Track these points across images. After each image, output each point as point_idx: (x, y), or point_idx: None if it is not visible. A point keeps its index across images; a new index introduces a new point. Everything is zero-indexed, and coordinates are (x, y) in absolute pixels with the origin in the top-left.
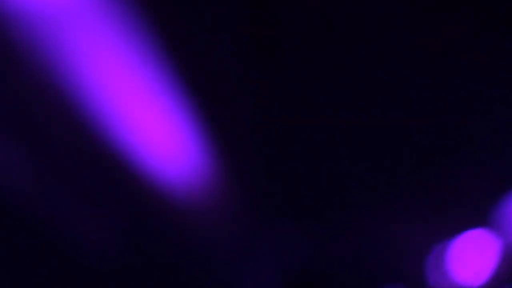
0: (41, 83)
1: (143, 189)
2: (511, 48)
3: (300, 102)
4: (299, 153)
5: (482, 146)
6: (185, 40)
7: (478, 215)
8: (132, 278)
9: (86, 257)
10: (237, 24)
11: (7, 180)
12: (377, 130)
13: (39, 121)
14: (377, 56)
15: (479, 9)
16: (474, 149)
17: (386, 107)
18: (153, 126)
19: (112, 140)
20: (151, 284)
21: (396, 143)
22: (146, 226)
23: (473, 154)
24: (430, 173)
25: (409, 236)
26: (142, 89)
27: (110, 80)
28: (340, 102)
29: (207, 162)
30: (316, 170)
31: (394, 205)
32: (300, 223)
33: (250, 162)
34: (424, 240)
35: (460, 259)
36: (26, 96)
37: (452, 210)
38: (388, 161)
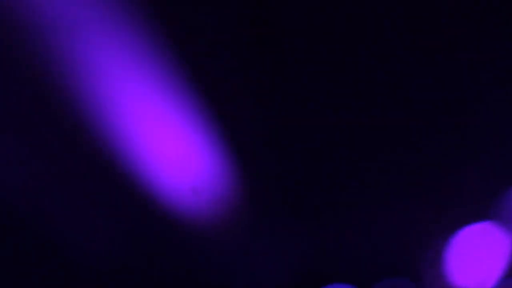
0: (43, 83)
1: (143, 190)
2: (511, 48)
3: (300, 102)
4: (299, 153)
5: (482, 145)
6: (186, 40)
7: (479, 214)
8: (132, 278)
9: (86, 257)
10: (237, 24)
11: (7, 180)
12: (377, 130)
13: (39, 121)
14: (377, 56)
15: (479, 9)
16: (474, 148)
17: (386, 107)
18: (153, 125)
19: (112, 140)
20: (151, 284)
21: (396, 143)
22: (146, 226)
23: (473, 154)
24: (430, 172)
25: (409, 235)
26: (142, 89)
27: (111, 81)
28: (340, 102)
29: (207, 162)
30: (316, 170)
31: (394, 205)
32: (300, 223)
33: (251, 162)
34: (424, 239)
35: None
36: (26, 96)
37: (453, 208)
38: (388, 161)
